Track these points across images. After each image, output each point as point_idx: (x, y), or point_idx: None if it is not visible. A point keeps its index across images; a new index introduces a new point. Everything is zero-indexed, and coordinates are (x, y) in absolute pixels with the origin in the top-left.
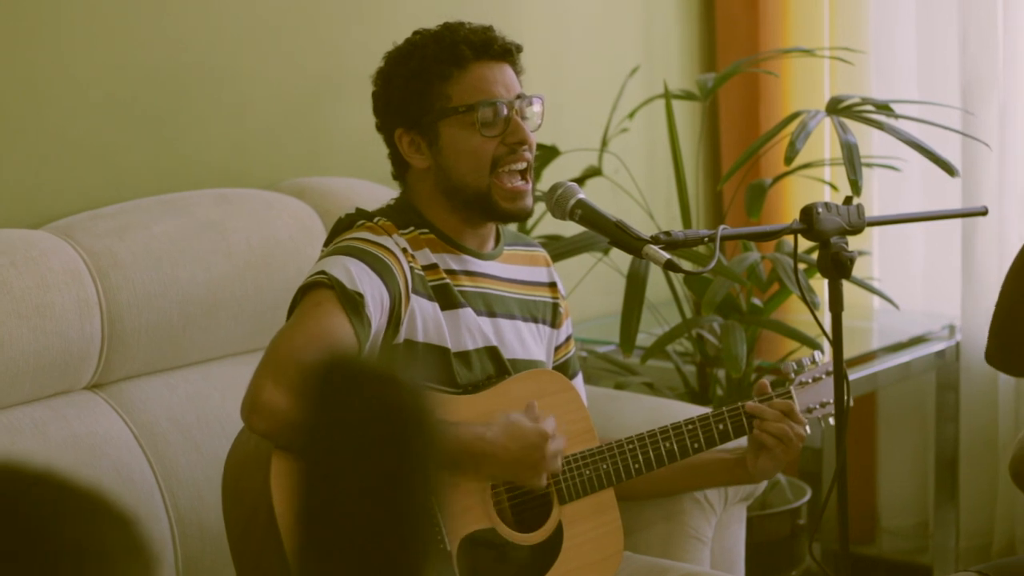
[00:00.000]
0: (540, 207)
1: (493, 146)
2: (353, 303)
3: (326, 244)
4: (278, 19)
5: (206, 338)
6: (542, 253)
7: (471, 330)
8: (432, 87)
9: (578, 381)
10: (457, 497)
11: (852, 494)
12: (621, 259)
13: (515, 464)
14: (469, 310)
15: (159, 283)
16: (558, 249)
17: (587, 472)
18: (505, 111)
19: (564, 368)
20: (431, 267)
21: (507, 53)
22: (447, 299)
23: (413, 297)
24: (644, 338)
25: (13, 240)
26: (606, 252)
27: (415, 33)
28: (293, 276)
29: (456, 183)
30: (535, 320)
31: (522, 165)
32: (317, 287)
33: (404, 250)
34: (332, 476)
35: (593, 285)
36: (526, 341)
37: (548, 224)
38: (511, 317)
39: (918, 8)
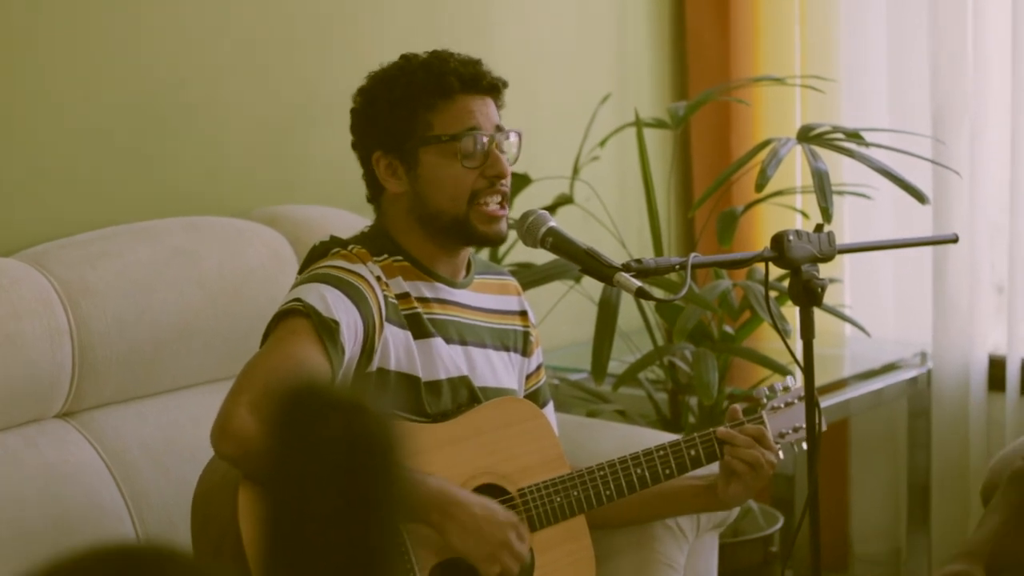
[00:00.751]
0: (512, 235)
1: (473, 178)
2: (328, 330)
3: (300, 271)
4: (251, 49)
5: (178, 366)
6: (512, 282)
7: (443, 359)
8: (416, 115)
9: (549, 409)
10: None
11: (824, 521)
12: (593, 287)
13: (475, 532)
14: (440, 339)
15: (131, 311)
16: (529, 277)
17: (558, 499)
18: (485, 144)
19: (535, 397)
20: (404, 296)
21: (493, 88)
22: (419, 328)
23: (386, 325)
24: (616, 366)
25: None
26: (577, 280)
27: (402, 57)
28: (265, 304)
29: (432, 210)
30: (506, 349)
31: (499, 198)
32: (292, 314)
33: (378, 278)
34: (298, 502)
35: (564, 313)
36: (497, 370)
37: (519, 252)
38: (483, 346)
39: (889, 36)
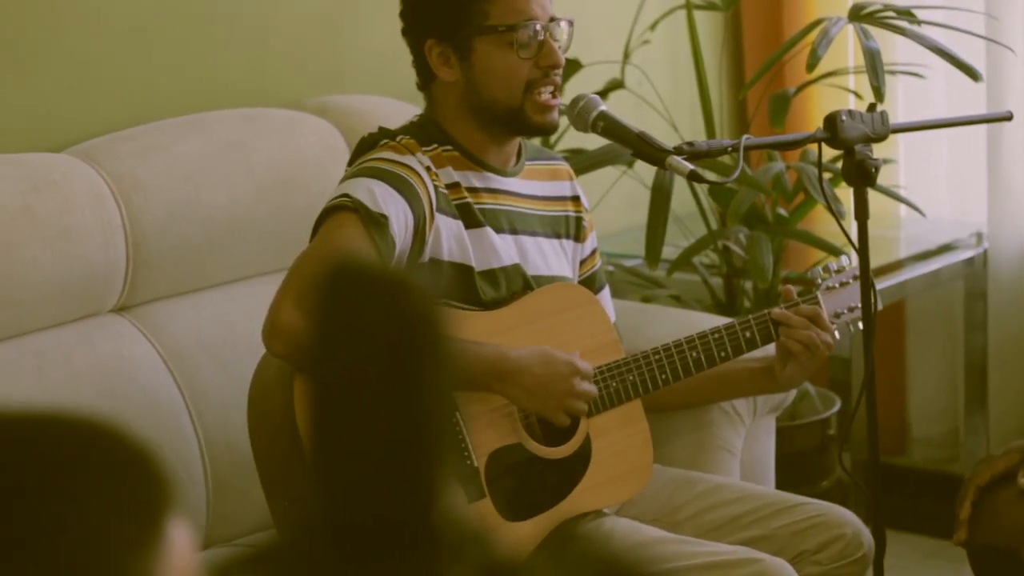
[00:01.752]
0: (563, 121)
1: (527, 68)
2: (377, 224)
3: (349, 164)
4: None
5: (230, 259)
6: (565, 167)
7: (495, 248)
8: (471, 2)
9: (604, 295)
10: (482, 412)
11: (881, 404)
12: (645, 172)
13: (538, 389)
14: (491, 229)
15: (182, 204)
16: (581, 163)
17: (614, 384)
18: (540, 34)
19: (590, 282)
20: (454, 185)
21: None
22: (470, 217)
23: (438, 216)
24: (670, 251)
25: (35, 164)
26: (630, 165)
27: None
28: (316, 196)
29: (486, 100)
30: (558, 236)
31: (552, 88)
32: (340, 210)
33: (428, 168)
34: (343, 383)
35: (617, 198)
36: (548, 258)
37: (571, 138)
38: (533, 234)
39: None
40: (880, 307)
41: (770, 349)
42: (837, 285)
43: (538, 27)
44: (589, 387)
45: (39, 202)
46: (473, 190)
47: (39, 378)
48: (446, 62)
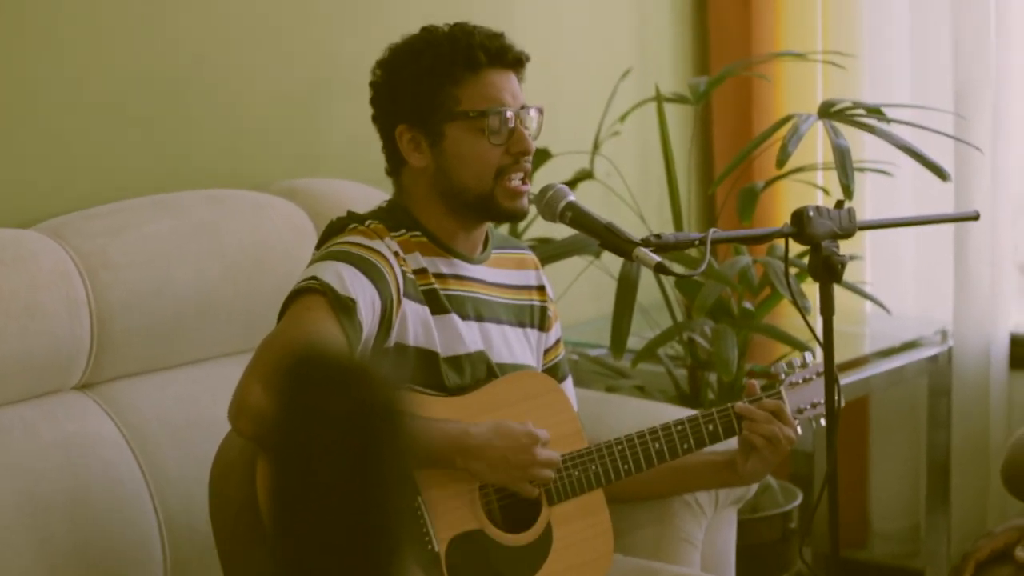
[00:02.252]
0: (531, 210)
1: (498, 154)
2: (345, 308)
3: (317, 247)
4: (272, 21)
5: (197, 339)
6: (531, 256)
7: (461, 335)
8: (443, 88)
9: (567, 384)
10: (444, 498)
11: (843, 498)
12: (612, 262)
13: (502, 463)
14: (456, 315)
15: (151, 283)
16: (549, 252)
17: (576, 473)
18: (512, 121)
19: (554, 371)
20: (421, 271)
21: (518, 63)
22: (436, 304)
23: (404, 301)
24: (635, 341)
25: (3, 239)
26: (597, 255)
27: (424, 30)
28: (284, 278)
29: (456, 186)
30: (522, 325)
31: (522, 174)
32: (308, 292)
33: (396, 253)
34: (303, 469)
35: (584, 288)
36: (512, 346)
37: (539, 227)
38: (498, 322)
39: (911, 11)
40: (843, 404)
41: (733, 442)
42: (800, 381)
43: (509, 114)
44: (551, 453)
45: (5, 278)
46: (440, 276)
47: (1, 452)
48: (416, 147)
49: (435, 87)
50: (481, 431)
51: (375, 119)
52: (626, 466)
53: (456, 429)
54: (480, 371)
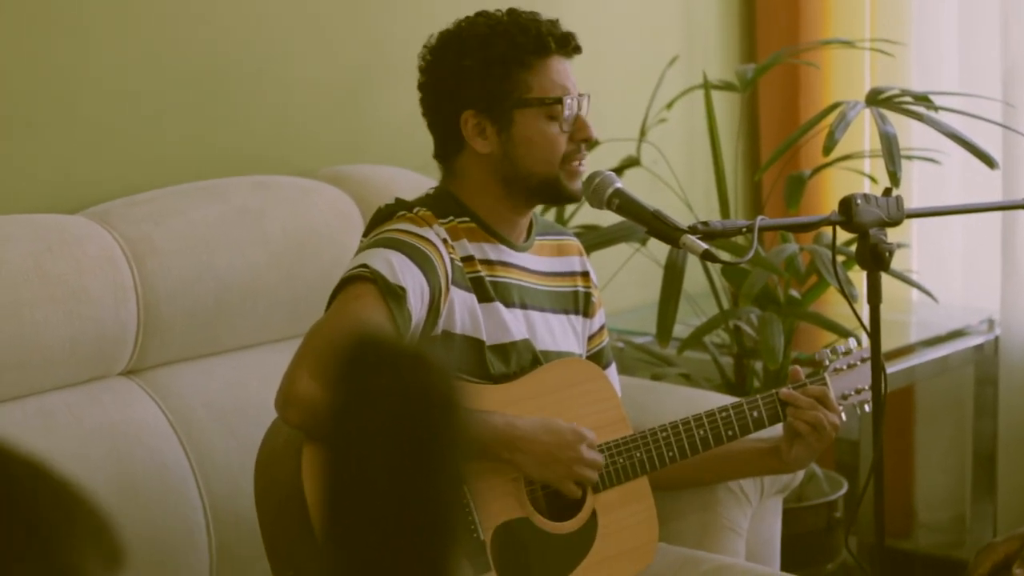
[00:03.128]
0: None
1: (564, 140)
2: (395, 296)
3: (365, 234)
4: (317, 7)
5: (242, 325)
6: (575, 242)
7: (506, 323)
8: (513, 74)
9: (612, 371)
10: (490, 486)
11: (889, 488)
12: (658, 249)
13: (547, 458)
14: (502, 303)
15: (195, 269)
16: (595, 239)
17: (620, 460)
18: (576, 107)
19: (598, 358)
20: (468, 258)
21: (577, 51)
22: (483, 292)
23: (452, 289)
24: (681, 329)
25: (49, 225)
26: (643, 242)
27: (481, 15)
28: (329, 264)
29: (522, 171)
30: (566, 312)
31: (583, 161)
32: (358, 280)
33: (444, 241)
34: (357, 458)
35: (630, 275)
36: (556, 334)
37: (585, 214)
38: (542, 310)
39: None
40: (888, 391)
41: (777, 429)
42: (845, 367)
43: (574, 101)
44: (596, 455)
45: (52, 263)
46: (487, 263)
47: (47, 438)
48: (481, 133)
49: (505, 72)
50: (528, 424)
51: (431, 105)
52: (671, 453)
53: (502, 421)
54: (525, 359)
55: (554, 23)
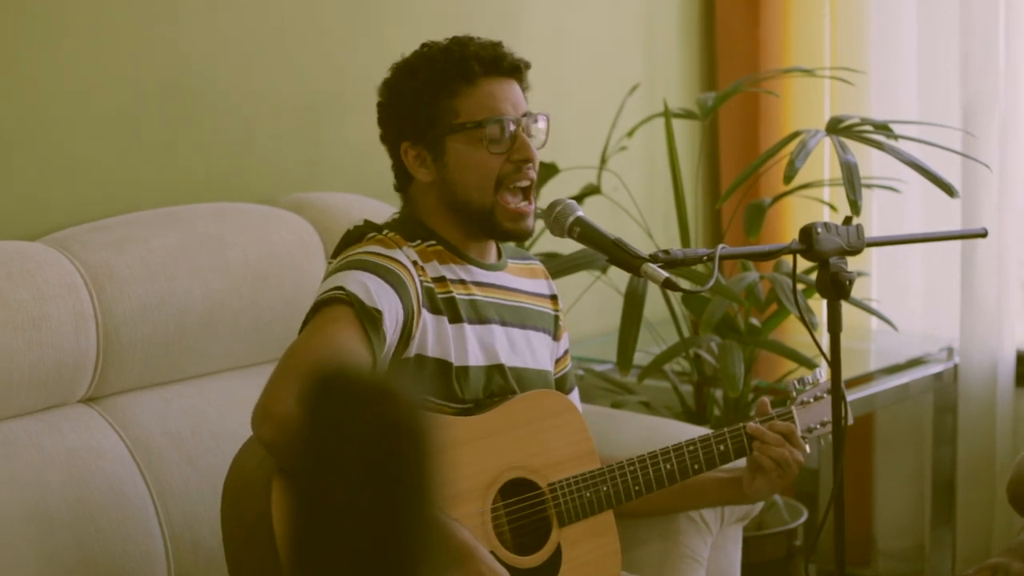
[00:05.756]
0: (539, 224)
1: (499, 163)
2: (372, 320)
3: (334, 255)
4: (280, 35)
5: (202, 352)
6: (540, 267)
7: (476, 344)
8: (440, 102)
9: (575, 395)
10: (457, 519)
11: (848, 515)
12: (619, 277)
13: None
14: (475, 324)
15: (156, 296)
16: (556, 267)
17: (587, 494)
18: (512, 128)
19: (562, 382)
20: (439, 279)
21: (516, 70)
22: (454, 312)
23: (424, 311)
24: (641, 357)
25: (9, 252)
26: (604, 270)
27: (423, 46)
28: (291, 291)
29: (461, 198)
30: (542, 330)
31: (526, 183)
32: (335, 303)
33: (415, 263)
34: (325, 490)
35: (591, 303)
36: (536, 350)
37: (546, 242)
38: (522, 326)
39: (920, 28)
40: (851, 422)
41: (741, 460)
42: (811, 400)
43: (508, 122)
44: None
45: (12, 290)
46: (460, 283)
47: (6, 465)
48: (422, 163)
49: (432, 101)
50: (462, 547)
51: (383, 139)
52: (637, 487)
53: (462, 537)
54: (494, 382)
55: (488, 45)
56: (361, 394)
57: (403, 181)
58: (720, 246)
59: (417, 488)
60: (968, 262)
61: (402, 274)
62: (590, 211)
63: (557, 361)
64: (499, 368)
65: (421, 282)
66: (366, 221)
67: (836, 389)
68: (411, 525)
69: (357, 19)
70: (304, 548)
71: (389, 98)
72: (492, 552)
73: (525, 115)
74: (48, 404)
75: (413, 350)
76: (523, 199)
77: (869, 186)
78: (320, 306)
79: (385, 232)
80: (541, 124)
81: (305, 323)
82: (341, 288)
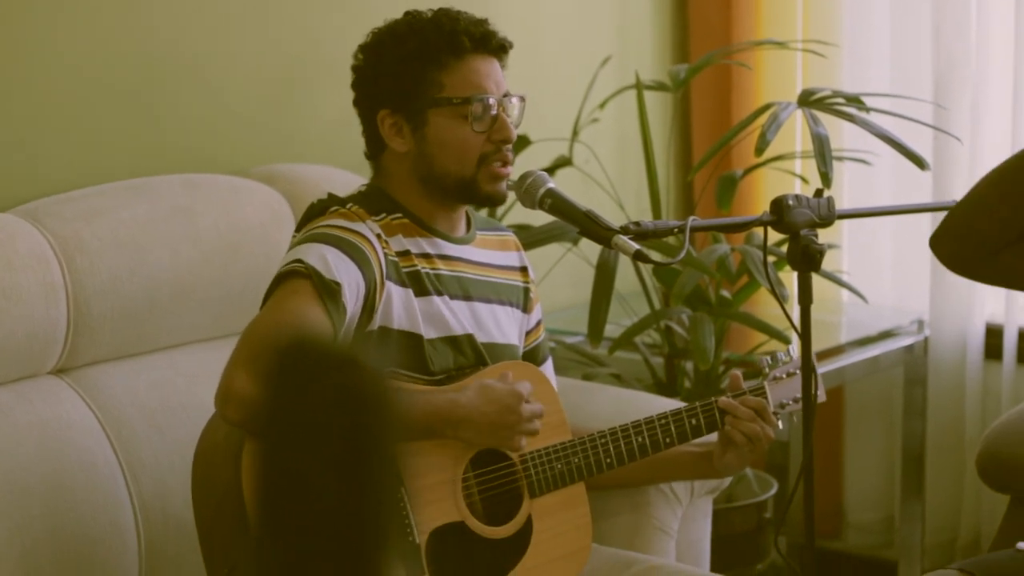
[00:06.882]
0: (510, 196)
1: (480, 141)
2: (330, 291)
3: (298, 229)
4: (251, 3)
5: (173, 324)
6: (512, 238)
7: (445, 316)
8: (427, 73)
9: (548, 366)
10: (426, 489)
11: (818, 488)
12: (590, 249)
13: (491, 427)
14: (443, 296)
15: (126, 268)
16: (527, 239)
17: (559, 466)
18: (495, 108)
19: (534, 353)
20: (404, 253)
21: (502, 49)
22: (420, 285)
23: (388, 284)
24: (612, 329)
25: None
26: (575, 242)
27: (407, 14)
28: (262, 262)
29: (437, 171)
30: (512, 304)
31: (502, 162)
32: (293, 276)
33: (378, 236)
34: (290, 456)
35: (562, 275)
36: (502, 325)
37: (517, 214)
38: (487, 301)
39: (891, 2)
40: (824, 398)
41: (712, 435)
42: (784, 376)
43: (492, 101)
44: (534, 407)
45: None
46: (425, 256)
47: None
48: (398, 132)
49: (419, 72)
50: (469, 398)
51: (356, 103)
52: (608, 460)
53: (444, 400)
54: (465, 353)
55: (477, 22)
56: (322, 361)
57: (375, 148)
58: (691, 218)
59: (381, 451)
60: None
61: (364, 247)
62: (562, 183)
63: (529, 333)
64: (469, 340)
65: (385, 255)
66: (330, 195)
67: (807, 361)
68: (376, 490)
69: None
70: (270, 514)
71: (371, 63)
72: (463, 522)
73: (506, 95)
74: (18, 375)
75: (377, 322)
76: (501, 165)
77: (840, 158)
78: (280, 279)
79: (348, 206)
80: (516, 103)
81: (267, 297)
82: (300, 261)
